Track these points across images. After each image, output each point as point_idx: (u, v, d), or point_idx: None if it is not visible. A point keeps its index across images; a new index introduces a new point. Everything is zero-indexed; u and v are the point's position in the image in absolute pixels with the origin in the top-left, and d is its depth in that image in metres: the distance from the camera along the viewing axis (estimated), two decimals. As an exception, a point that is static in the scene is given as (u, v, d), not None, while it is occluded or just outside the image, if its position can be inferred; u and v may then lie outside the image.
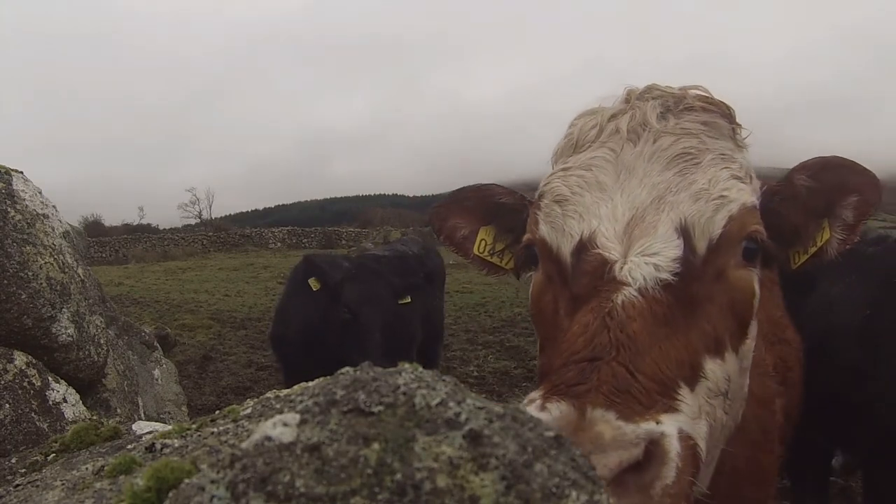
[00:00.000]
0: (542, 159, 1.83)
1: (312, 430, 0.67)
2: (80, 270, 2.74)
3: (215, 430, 1.29)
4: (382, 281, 5.44)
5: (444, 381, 0.74)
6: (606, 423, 1.19)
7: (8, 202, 2.44)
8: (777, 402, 2.16)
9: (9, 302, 2.29)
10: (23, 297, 2.32)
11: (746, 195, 1.57)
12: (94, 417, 2.41)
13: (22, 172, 2.66)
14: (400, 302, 5.49)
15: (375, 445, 0.65)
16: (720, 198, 1.53)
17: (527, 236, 1.73)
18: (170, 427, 1.47)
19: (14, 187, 2.53)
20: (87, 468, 1.38)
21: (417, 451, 0.65)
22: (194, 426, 1.38)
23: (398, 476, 0.63)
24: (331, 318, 5.27)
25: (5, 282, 2.27)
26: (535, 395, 1.31)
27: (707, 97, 1.72)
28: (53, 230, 2.63)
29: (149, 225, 63.37)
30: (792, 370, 2.67)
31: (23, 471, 1.68)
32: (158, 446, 1.30)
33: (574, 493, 0.64)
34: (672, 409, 1.28)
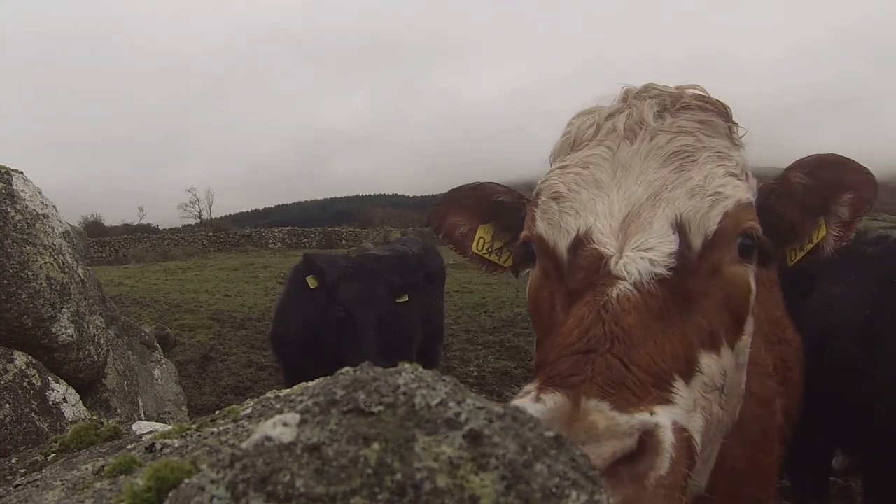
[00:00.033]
0: (541, 159, 1.84)
1: (312, 430, 0.67)
2: (80, 270, 2.74)
3: (215, 430, 1.29)
4: (379, 280, 5.43)
5: (444, 381, 0.74)
6: (600, 413, 1.19)
7: (8, 202, 2.44)
8: (777, 402, 2.17)
9: (9, 302, 2.29)
10: (23, 297, 2.32)
11: (742, 192, 1.58)
12: (94, 417, 2.41)
13: (22, 172, 2.66)
14: (397, 301, 5.48)
15: (375, 445, 0.65)
16: (716, 194, 1.54)
17: (524, 233, 1.74)
18: (170, 427, 1.47)
19: (14, 187, 2.53)
20: (87, 468, 1.38)
21: (417, 451, 0.65)
22: (194, 426, 1.38)
23: (398, 476, 0.63)
24: (329, 318, 5.28)
25: (5, 282, 2.27)
26: (530, 387, 1.32)
27: (703, 96, 1.73)
28: (53, 230, 2.63)
29: (149, 225, 63.44)
30: (792, 370, 2.67)
31: (23, 471, 1.68)
32: (158, 446, 1.30)
33: (574, 493, 0.64)
34: (666, 400, 1.28)
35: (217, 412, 1.47)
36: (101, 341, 2.78)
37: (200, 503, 0.64)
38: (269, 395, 1.45)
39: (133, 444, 1.48)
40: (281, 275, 19.56)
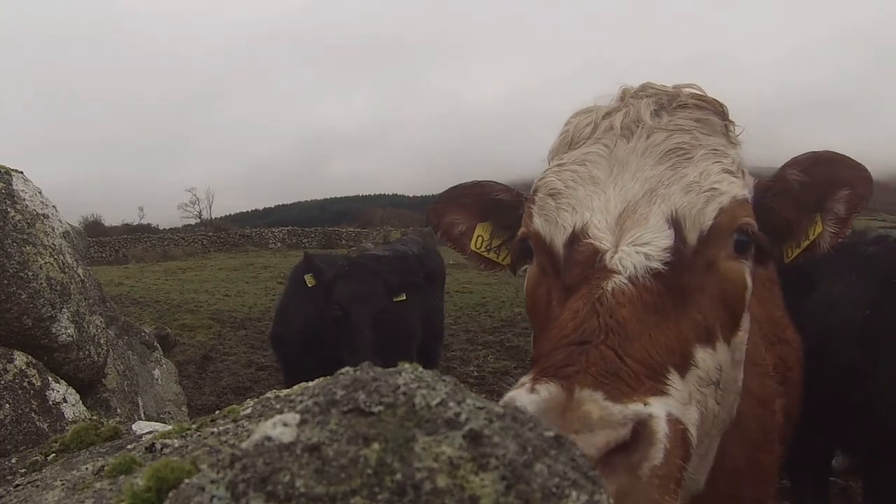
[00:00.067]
0: (541, 158, 1.85)
1: (312, 430, 0.67)
2: (80, 270, 2.74)
3: (215, 430, 1.29)
4: (376, 279, 5.42)
5: (444, 381, 0.74)
6: (594, 402, 1.19)
7: (8, 202, 2.44)
8: (777, 401, 2.17)
9: (9, 302, 2.29)
10: (23, 297, 2.32)
11: (737, 188, 1.58)
12: (94, 417, 2.41)
13: (22, 172, 2.66)
14: (395, 300, 5.47)
15: (375, 445, 0.65)
16: (711, 190, 1.54)
17: (521, 230, 1.75)
18: (170, 427, 1.47)
19: (14, 187, 2.54)
20: (87, 468, 1.38)
21: (417, 451, 0.65)
22: (194, 426, 1.38)
23: (398, 476, 0.63)
24: (327, 317, 5.28)
25: (5, 282, 2.27)
26: (525, 378, 1.32)
27: (700, 95, 1.74)
28: (53, 230, 2.63)
29: (149, 225, 63.45)
30: (792, 370, 2.67)
31: (23, 471, 1.68)
32: (158, 446, 1.30)
33: (574, 493, 0.64)
34: (661, 392, 1.28)
35: (217, 412, 1.47)
36: (101, 341, 2.78)
37: (200, 503, 0.64)
38: (269, 395, 1.45)
39: (133, 444, 1.48)
40: (281, 275, 19.57)
